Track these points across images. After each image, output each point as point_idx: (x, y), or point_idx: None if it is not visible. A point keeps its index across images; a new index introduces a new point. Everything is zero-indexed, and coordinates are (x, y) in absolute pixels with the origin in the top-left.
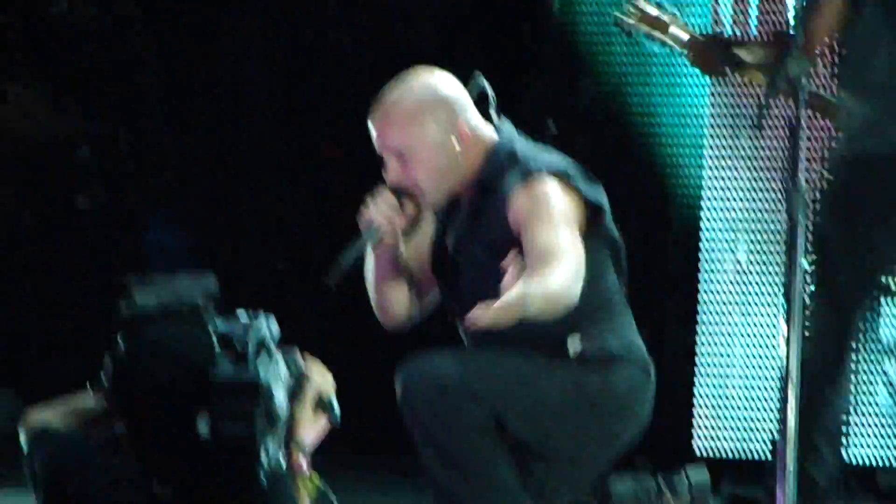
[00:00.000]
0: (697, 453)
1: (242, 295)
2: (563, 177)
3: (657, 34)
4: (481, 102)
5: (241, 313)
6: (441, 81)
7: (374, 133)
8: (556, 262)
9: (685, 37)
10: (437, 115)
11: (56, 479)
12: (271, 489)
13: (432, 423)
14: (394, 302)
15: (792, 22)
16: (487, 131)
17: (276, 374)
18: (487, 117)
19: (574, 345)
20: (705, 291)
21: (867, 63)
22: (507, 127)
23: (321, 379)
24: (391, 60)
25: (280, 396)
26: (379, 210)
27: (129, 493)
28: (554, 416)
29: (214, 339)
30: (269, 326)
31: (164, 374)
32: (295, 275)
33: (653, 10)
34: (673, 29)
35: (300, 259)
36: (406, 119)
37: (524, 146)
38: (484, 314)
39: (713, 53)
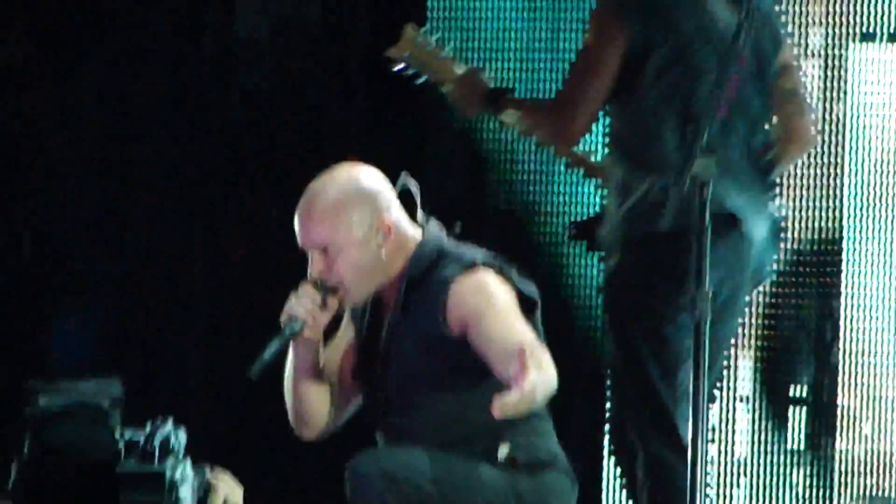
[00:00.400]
0: None
1: (151, 403)
2: (498, 270)
3: (427, 66)
4: (406, 201)
5: (149, 421)
6: (365, 176)
7: (297, 227)
8: (536, 354)
9: (458, 71)
10: (360, 209)
11: None
12: None
13: None
14: (313, 407)
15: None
16: (412, 229)
17: (182, 476)
18: (413, 216)
19: (504, 450)
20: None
21: (648, 138)
22: (433, 224)
23: (229, 489)
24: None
25: (186, 496)
26: (301, 304)
27: None
28: None
29: (119, 438)
30: (175, 432)
31: (69, 475)
32: (205, 384)
33: (424, 42)
34: (441, 61)
35: (211, 368)
36: (330, 213)
37: (450, 243)
38: (507, 404)
39: (480, 96)
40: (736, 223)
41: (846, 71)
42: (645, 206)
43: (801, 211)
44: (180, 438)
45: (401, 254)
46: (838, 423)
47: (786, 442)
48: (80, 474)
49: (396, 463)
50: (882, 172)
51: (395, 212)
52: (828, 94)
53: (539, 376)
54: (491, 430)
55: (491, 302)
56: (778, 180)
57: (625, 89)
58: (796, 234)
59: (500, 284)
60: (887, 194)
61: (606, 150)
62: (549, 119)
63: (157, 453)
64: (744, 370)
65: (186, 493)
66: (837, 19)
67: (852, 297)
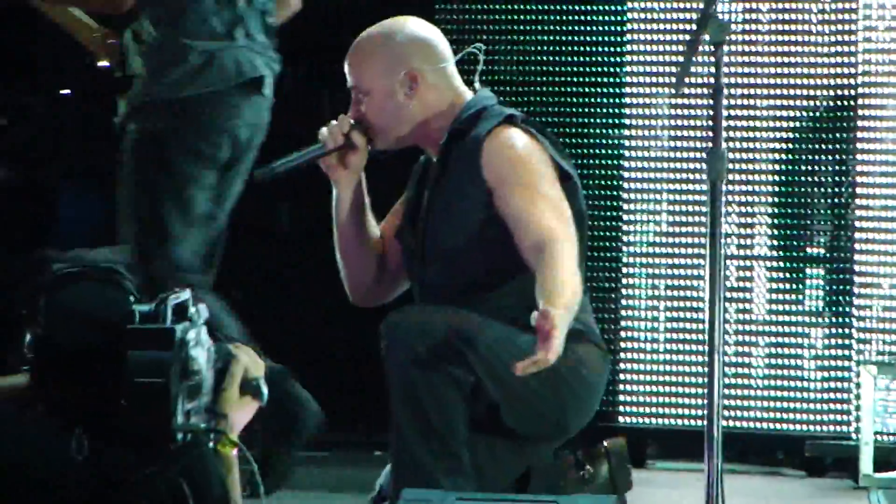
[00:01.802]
0: (622, 424)
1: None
2: (536, 135)
3: None
4: (469, 67)
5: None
6: (411, 27)
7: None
8: (562, 250)
9: None
10: (389, 58)
11: None
12: (191, 453)
13: (414, 372)
14: (356, 258)
15: None
16: (462, 89)
17: (196, 339)
18: (470, 83)
19: (535, 315)
20: (627, 256)
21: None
22: (486, 92)
23: (252, 362)
24: None
25: (200, 359)
26: (330, 129)
27: (55, 463)
28: (524, 379)
29: (132, 301)
30: (195, 303)
31: (82, 335)
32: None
33: None
34: None
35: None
36: (362, 57)
37: (497, 105)
38: (527, 367)
39: None
40: (259, 86)
41: None
42: (184, 71)
43: (815, 68)
44: (200, 310)
45: (444, 112)
46: (856, 282)
47: (803, 302)
48: (93, 334)
49: (430, 318)
50: None
51: (437, 68)
52: None
53: (569, 293)
54: (523, 294)
55: (518, 166)
56: None
57: None
58: (810, 93)
59: (532, 144)
60: None
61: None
62: None
63: (168, 314)
64: (760, 230)
65: (200, 355)
66: None
67: (868, 153)
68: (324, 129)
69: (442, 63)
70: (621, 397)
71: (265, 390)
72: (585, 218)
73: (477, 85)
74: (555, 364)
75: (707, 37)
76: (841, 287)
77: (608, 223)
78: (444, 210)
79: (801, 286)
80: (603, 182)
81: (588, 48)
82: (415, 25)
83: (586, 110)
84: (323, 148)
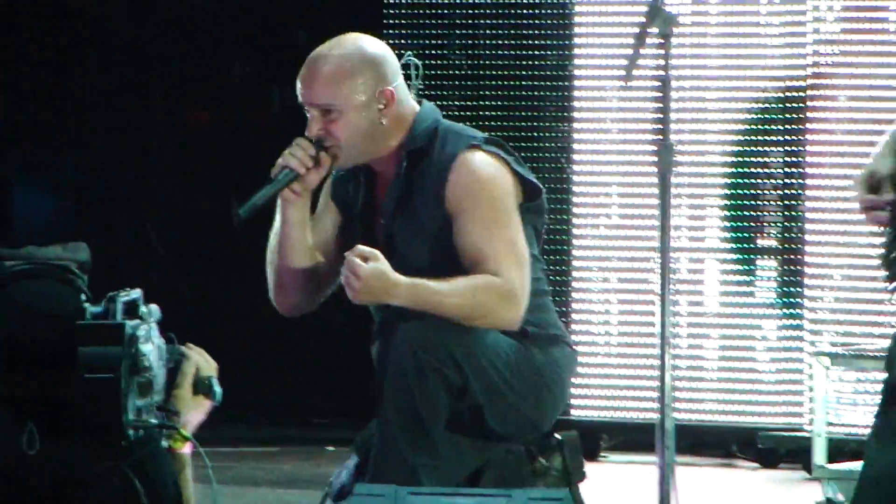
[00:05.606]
0: (575, 417)
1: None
2: (500, 154)
3: None
4: (407, 78)
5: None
6: (372, 44)
7: (300, 86)
8: (495, 293)
9: None
10: (365, 74)
11: None
12: (143, 449)
13: (411, 371)
14: (295, 272)
15: None
16: (412, 104)
17: (146, 336)
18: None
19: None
20: (578, 249)
21: None
22: (428, 104)
23: (203, 361)
24: None
25: (151, 356)
26: (294, 155)
27: (6, 458)
28: (510, 383)
29: (83, 296)
30: (145, 303)
31: (33, 331)
32: (174, 255)
33: None
34: None
35: (179, 239)
36: (335, 75)
37: (447, 121)
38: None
39: None
40: None
41: None
42: None
43: (765, 59)
44: (151, 309)
45: (400, 127)
46: (807, 274)
47: (755, 294)
48: (44, 330)
49: (428, 323)
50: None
51: (399, 83)
52: None
53: (377, 279)
54: None
55: (479, 198)
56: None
57: None
58: (760, 84)
59: (496, 171)
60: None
61: None
62: None
63: (119, 312)
64: (711, 222)
65: (150, 351)
66: None
67: (818, 144)
68: (287, 155)
69: (399, 78)
70: (574, 391)
71: (218, 389)
72: (542, 234)
73: (415, 97)
74: (537, 367)
75: (655, 29)
76: (792, 279)
77: (558, 216)
78: (411, 231)
79: (752, 278)
80: (552, 175)
81: (535, 41)
82: (371, 42)
83: (534, 104)
84: (293, 173)
